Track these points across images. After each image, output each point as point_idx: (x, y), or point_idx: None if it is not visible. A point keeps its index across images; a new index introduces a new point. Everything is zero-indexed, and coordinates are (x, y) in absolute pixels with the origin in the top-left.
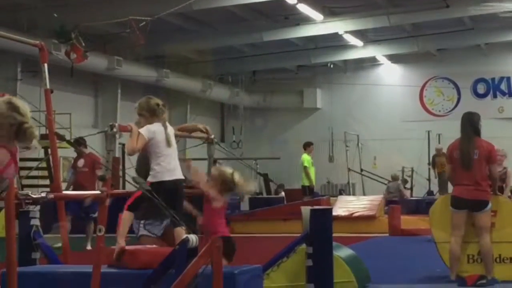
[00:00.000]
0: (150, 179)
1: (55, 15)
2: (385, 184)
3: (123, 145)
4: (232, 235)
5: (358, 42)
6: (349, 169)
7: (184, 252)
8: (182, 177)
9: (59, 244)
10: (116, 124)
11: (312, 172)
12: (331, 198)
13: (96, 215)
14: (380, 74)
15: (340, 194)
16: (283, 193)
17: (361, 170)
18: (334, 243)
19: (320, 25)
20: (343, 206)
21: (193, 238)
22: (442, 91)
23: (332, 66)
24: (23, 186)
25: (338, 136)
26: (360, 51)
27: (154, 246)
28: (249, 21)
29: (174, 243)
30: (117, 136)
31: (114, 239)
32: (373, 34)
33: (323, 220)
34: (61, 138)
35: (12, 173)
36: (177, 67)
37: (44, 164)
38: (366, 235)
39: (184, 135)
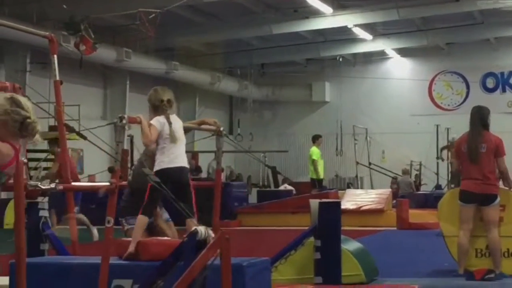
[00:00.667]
0: (154, 168)
1: (65, 6)
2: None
3: (132, 137)
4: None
5: (367, 36)
6: (357, 163)
7: (192, 244)
8: (186, 165)
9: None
10: (126, 116)
11: (321, 165)
12: (339, 191)
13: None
14: (389, 68)
15: (348, 187)
16: (288, 186)
17: (370, 163)
18: (342, 236)
19: (329, 18)
20: (351, 200)
21: (202, 230)
22: (451, 85)
23: (341, 59)
24: (31, 177)
25: (347, 130)
26: (369, 44)
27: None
28: (258, 14)
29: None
30: (126, 127)
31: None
32: (382, 27)
33: (332, 214)
34: (71, 129)
35: (13, 170)
36: (186, 60)
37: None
38: (374, 228)
39: (194, 127)
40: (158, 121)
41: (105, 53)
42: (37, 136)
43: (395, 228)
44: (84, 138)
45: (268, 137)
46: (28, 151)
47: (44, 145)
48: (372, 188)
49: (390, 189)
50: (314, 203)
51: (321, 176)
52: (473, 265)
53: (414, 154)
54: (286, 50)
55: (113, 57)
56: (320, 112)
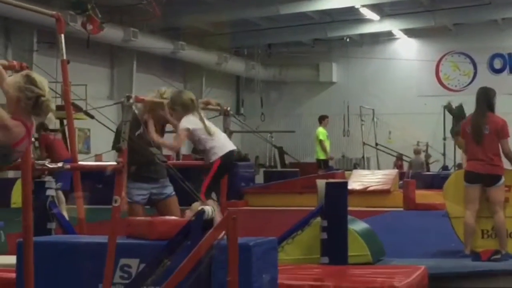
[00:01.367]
0: (213, 158)
1: None
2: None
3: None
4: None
5: (375, 16)
6: (364, 143)
7: (199, 223)
8: (234, 148)
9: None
10: (133, 96)
11: (327, 145)
12: (346, 172)
13: (59, 186)
14: (396, 49)
15: (355, 168)
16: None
17: (376, 144)
18: (348, 217)
19: None
20: (358, 180)
21: (209, 209)
22: (458, 66)
23: (348, 40)
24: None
25: (354, 110)
26: (376, 25)
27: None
28: None
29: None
30: (133, 107)
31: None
32: (389, 8)
33: (339, 194)
34: (79, 109)
35: (25, 147)
36: (193, 40)
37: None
38: (380, 209)
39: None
40: (189, 121)
41: (112, 33)
42: (50, 115)
43: (401, 209)
44: (92, 117)
45: (274, 117)
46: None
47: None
48: (378, 168)
49: (396, 170)
50: (321, 183)
51: (323, 157)
52: (479, 246)
53: (421, 135)
54: (293, 30)
55: (120, 37)
56: (327, 92)
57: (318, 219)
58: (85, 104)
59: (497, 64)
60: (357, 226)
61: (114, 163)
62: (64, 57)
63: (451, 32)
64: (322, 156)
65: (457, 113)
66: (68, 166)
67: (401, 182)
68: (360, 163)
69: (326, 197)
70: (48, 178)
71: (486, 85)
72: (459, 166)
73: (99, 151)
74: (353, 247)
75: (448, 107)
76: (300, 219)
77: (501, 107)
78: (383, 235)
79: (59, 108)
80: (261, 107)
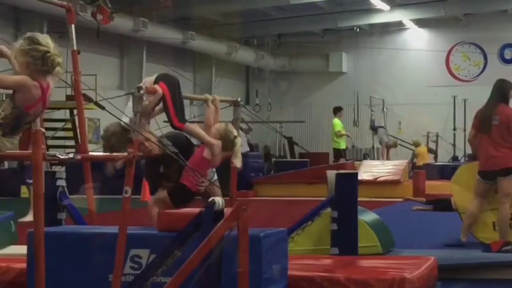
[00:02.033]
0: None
1: None
2: (410, 149)
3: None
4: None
5: (385, 6)
6: (374, 133)
7: (210, 214)
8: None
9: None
10: (144, 86)
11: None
12: (356, 162)
13: (31, 181)
14: (406, 39)
15: (365, 158)
16: None
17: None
18: (358, 208)
19: None
20: (368, 171)
21: (219, 200)
22: (468, 56)
23: (358, 30)
24: (48, 147)
25: (363, 101)
26: (386, 15)
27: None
28: None
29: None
30: (144, 98)
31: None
32: None
33: (349, 184)
34: (89, 99)
35: (39, 111)
36: (202, 30)
37: (69, 125)
38: (390, 199)
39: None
40: None
41: (122, 23)
42: (58, 68)
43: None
44: (102, 108)
45: (284, 107)
46: (45, 120)
47: (61, 114)
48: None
49: (406, 160)
50: (331, 174)
51: (344, 146)
52: (489, 238)
53: (431, 125)
54: (303, 20)
55: (130, 27)
56: (337, 82)
57: (328, 209)
58: (95, 95)
59: (508, 54)
60: (367, 217)
61: (125, 154)
62: (75, 48)
63: (461, 22)
64: (343, 146)
65: None
66: (79, 156)
67: (411, 172)
68: (370, 154)
69: (336, 188)
70: (58, 169)
71: (496, 76)
72: (469, 156)
73: None
74: (363, 238)
75: None
76: (309, 209)
77: None
78: (393, 226)
79: (69, 98)
80: (268, 97)
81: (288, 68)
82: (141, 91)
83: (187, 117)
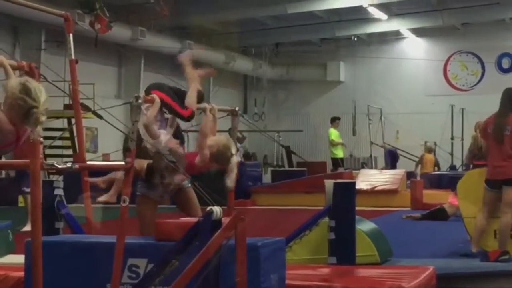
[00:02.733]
0: None
1: None
2: (408, 158)
3: None
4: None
5: (382, 15)
6: (371, 143)
7: (208, 224)
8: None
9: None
10: (141, 96)
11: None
12: (354, 171)
13: (29, 189)
14: (404, 48)
15: (363, 167)
16: None
17: (384, 143)
18: (356, 217)
19: None
20: (366, 180)
21: (217, 210)
22: (466, 66)
23: (356, 39)
24: (46, 156)
25: (361, 110)
26: (384, 24)
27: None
28: None
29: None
30: (142, 107)
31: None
32: (397, 7)
33: (346, 194)
34: (87, 108)
35: (8, 152)
36: (200, 39)
37: (67, 134)
38: (388, 209)
39: None
40: None
41: (120, 32)
42: (39, 128)
43: (409, 209)
44: (100, 117)
45: (282, 116)
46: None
47: (59, 123)
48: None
49: (404, 170)
50: (329, 183)
51: (341, 155)
52: (490, 246)
53: (429, 134)
54: (301, 29)
55: (127, 36)
56: (334, 92)
57: (326, 219)
58: (92, 104)
59: (505, 63)
60: (364, 226)
61: (123, 163)
62: (73, 57)
63: (459, 31)
64: (340, 154)
65: None
66: (76, 166)
67: (408, 181)
68: (368, 163)
69: (334, 197)
70: (56, 178)
71: (494, 85)
72: (466, 166)
73: (107, 150)
74: (360, 247)
75: None
76: (307, 219)
77: None
78: (391, 235)
79: (67, 107)
80: (262, 106)
81: (286, 77)
82: (139, 100)
83: (186, 126)
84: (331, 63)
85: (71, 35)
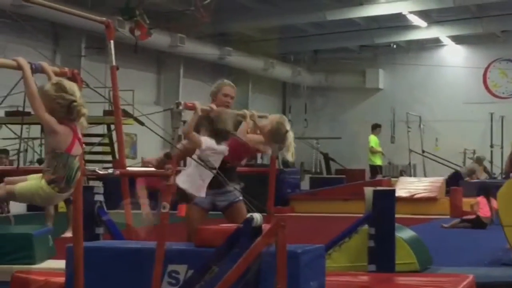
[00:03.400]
0: None
1: None
2: (448, 166)
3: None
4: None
5: (422, 23)
6: (410, 150)
7: (248, 230)
8: None
9: None
10: (182, 102)
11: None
12: (392, 179)
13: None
14: (443, 55)
15: (401, 175)
16: None
17: (423, 151)
18: (396, 224)
19: (384, 5)
20: (404, 188)
21: (257, 216)
22: (506, 73)
23: (395, 46)
24: (85, 162)
25: (400, 117)
26: (423, 31)
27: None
28: (312, 0)
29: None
30: (182, 113)
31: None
32: (437, 14)
33: (386, 201)
34: (129, 115)
35: (79, 149)
36: (239, 46)
37: (106, 140)
38: (427, 216)
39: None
40: None
41: (159, 39)
42: (83, 119)
43: (448, 217)
44: (142, 124)
45: (320, 123)
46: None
47: (99, 130)
48: (425, 176)
49: (443, 177)
50: (369, 191)
51: (380, 162)
52: None
53: (468, 142)
54: (340, 36)
55: (167, 43)
56: (373, 99)
57: (366, 226)
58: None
59: None
60: (404, 233)
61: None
62: (114, 63)
63: (499, 39)
64: (378, 162)
65: None
66: (117, 172)
67: (447, 189)
68: (407, 170)
69: (373, 205)
70: (96, 184)
71: None
72: (506, 174)
73: (146, 156)
74: (400, 255)
75: None
76: (346, 226)
77: None
78: (430, 243)
79: (107, 113)
80: (304, 113)
81: (324, 84)
82: (180, 107)
83: None
84: (370, 70)
85: (112, 41)
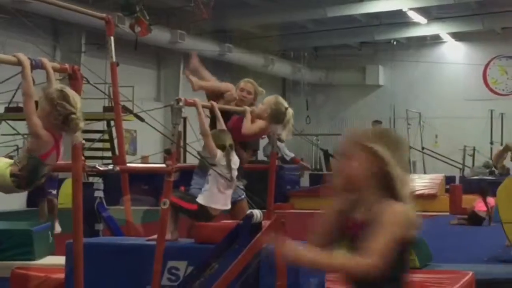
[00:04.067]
0: None
1: None
2: (447, 163)
3: (185, 119)
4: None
5: (422, 19)
6: (410, 147)
7: (248, 227)
8: None
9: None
10: (182, 99)
11: None
12: None
13: (55, 191)
14: (443, 52)
15: None
16: None
17: (423, 148)
18: None
19: (384, 2)
20: None
21: (257, 213)
22: (506, 70)
23: (395, 43)
24: (85, 158)
25: (400, 114)
26: (423, 28)
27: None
28: None
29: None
30: (183, 110)
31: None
32: (437, 11)
33: None
34: (129, 111)
35: (53, 161)
36: (239, 42)
37: (106, 136)
38: (427, 213)
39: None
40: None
41: (159, 35)
42: (78, 133)
43: (448, 213)
44: (142, 120)
45: (320, 120)
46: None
47: (99, 126)
48: (425, 172)
49: (443, 174)
50: None
51: None
52: None
53: (468, 139)
54: (340, 33)
55: (167, 39)
56: (373, 95)
57: None
58: (132, 106)
59: None
60: None
61: (163, 165)
62: (114, 60)
63: (499, 35)
64: None
65: None
66: (118, 168)
67: (447, 186)
68: None
69: None
70: (96, 180)
71: None
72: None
73: (146, 152)
74: None
75: None
76: None
77: None
78: (430, 240)
79: (107, 109)
80: (306, 109)
81: (324, 81)
82: (180, 103)
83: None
84: (370, 67)
85: (112, 38)
